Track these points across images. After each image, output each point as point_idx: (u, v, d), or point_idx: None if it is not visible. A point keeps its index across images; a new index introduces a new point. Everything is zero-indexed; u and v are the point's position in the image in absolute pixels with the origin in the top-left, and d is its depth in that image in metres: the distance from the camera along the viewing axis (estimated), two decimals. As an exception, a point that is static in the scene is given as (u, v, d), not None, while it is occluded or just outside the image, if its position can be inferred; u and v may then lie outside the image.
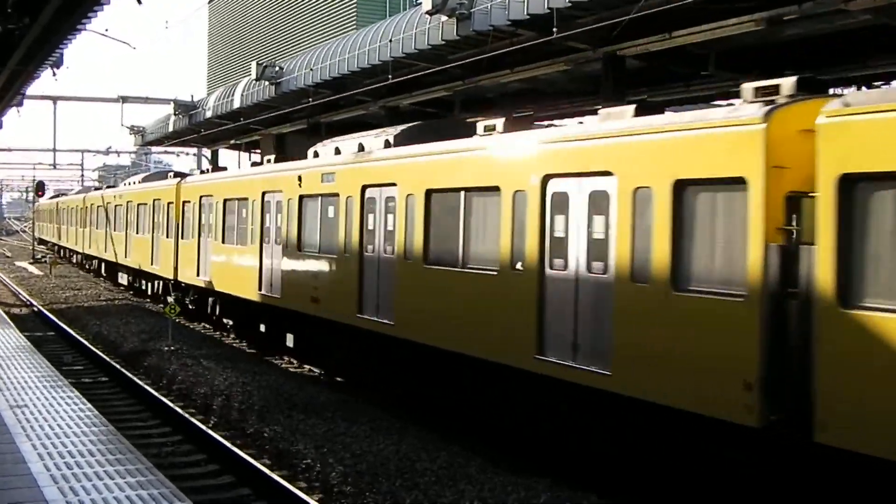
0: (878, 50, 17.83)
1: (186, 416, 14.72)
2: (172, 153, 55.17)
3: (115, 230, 39.07)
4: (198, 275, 26.50)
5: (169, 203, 29.81)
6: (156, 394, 16.44)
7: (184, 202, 28.61)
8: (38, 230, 78.58)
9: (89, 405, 12.19)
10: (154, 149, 54.80)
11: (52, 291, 36.95)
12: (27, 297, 34.76)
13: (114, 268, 40.51)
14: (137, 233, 34.71)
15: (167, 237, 29.83)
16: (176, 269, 28.72)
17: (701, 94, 22.59)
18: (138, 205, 34.63)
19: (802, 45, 17.89)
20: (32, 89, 27.99)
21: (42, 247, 70.34)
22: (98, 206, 43.89)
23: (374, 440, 13.34)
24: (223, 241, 24.34)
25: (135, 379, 17.90)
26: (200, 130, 39.56)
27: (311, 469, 12.09)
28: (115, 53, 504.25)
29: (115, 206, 39.12)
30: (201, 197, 26.71)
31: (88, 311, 30.03)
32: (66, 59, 23.18)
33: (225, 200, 24.43)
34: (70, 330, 24.93)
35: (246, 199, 22.81)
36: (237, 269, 23.12)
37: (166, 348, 21.59)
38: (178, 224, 28.87)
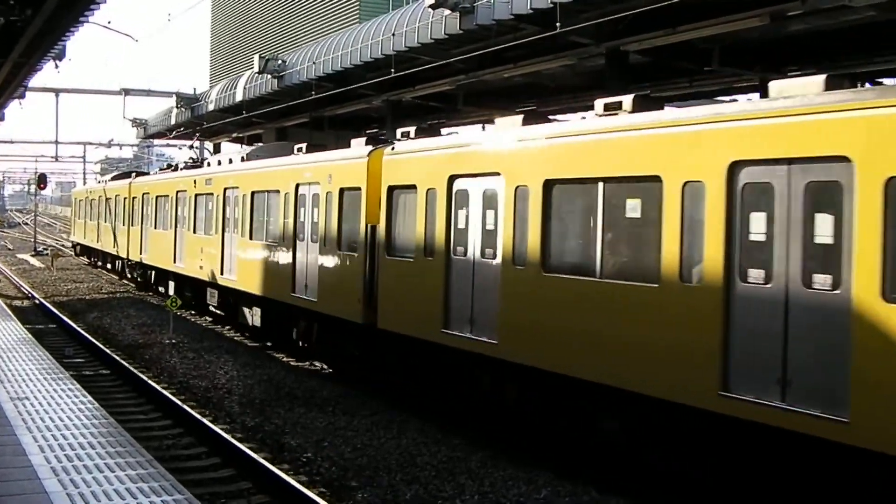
0: (883, 46, 17.78)
1: (187, 409, 14.71)
2: (174, 146, 55.14)
3: None
4: None
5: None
6: (157, 387, 16.43)
7: None
8: (77, 232, 52.53)
9: (90, 398, 12.17)
10: (156, 141, 54.56)
11: (53, 284, 36.98)
12: (29, 289, 34.75)
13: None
14: None
15: None
16: None
17: (704, 90, 22.53)
18: None
19: (806, 40, 17.85)
20: (35, 81, 28.01)
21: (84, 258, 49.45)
22: None
23: (374, 434, 13.35)
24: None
25: (136, 372, 17.89)
26: (202, 123, 39.48)
27: (312, 462, 12.10)
28: (117, 46, 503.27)
29: None
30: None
31: (90, 304, 30.06)
32: (69, 52, 23.07)
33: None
34: (71, 322, 24.93)
35: None
36: None
37: (167, 341, 21.61)
38: None
